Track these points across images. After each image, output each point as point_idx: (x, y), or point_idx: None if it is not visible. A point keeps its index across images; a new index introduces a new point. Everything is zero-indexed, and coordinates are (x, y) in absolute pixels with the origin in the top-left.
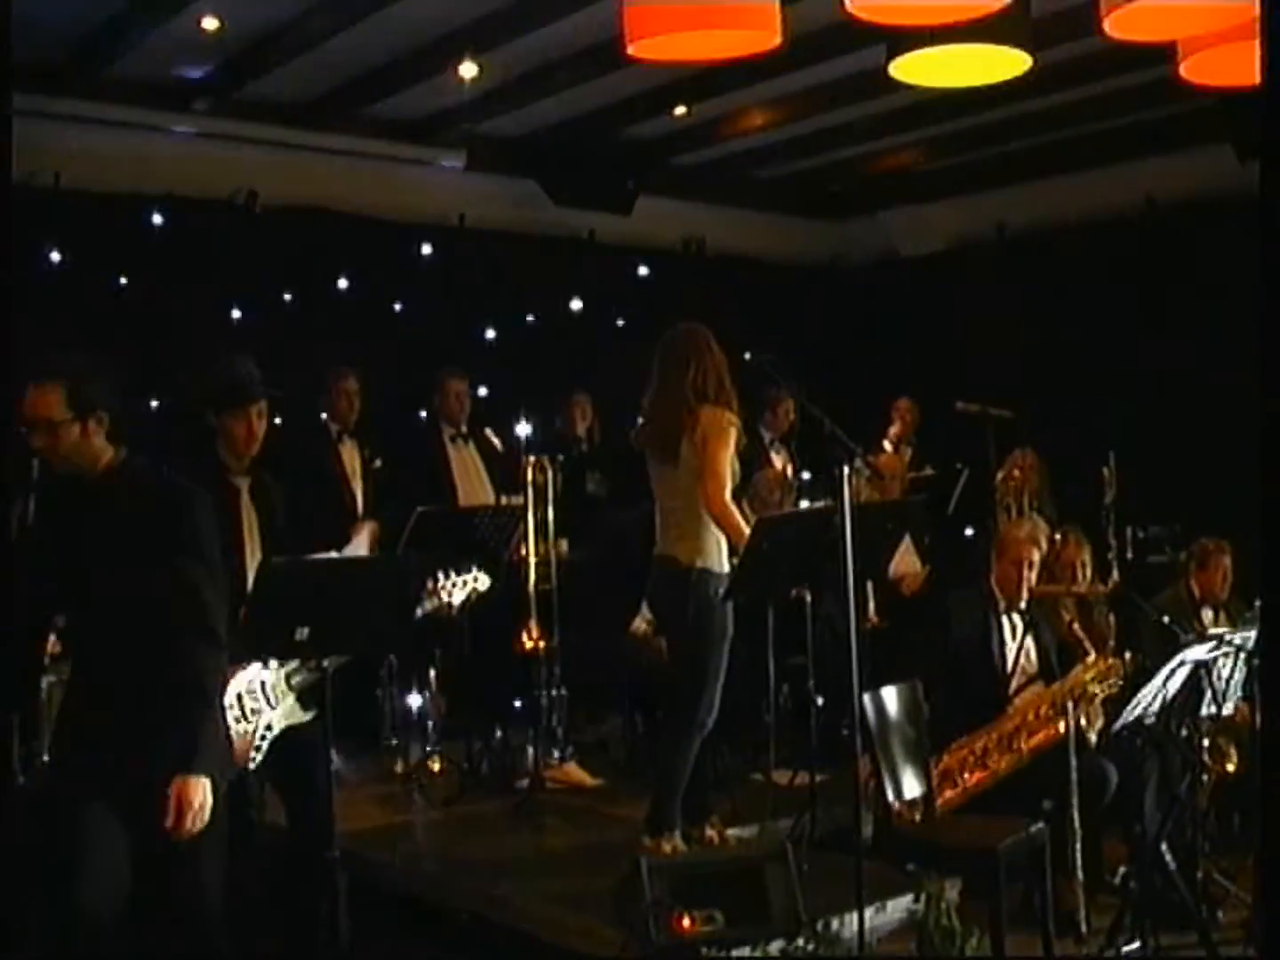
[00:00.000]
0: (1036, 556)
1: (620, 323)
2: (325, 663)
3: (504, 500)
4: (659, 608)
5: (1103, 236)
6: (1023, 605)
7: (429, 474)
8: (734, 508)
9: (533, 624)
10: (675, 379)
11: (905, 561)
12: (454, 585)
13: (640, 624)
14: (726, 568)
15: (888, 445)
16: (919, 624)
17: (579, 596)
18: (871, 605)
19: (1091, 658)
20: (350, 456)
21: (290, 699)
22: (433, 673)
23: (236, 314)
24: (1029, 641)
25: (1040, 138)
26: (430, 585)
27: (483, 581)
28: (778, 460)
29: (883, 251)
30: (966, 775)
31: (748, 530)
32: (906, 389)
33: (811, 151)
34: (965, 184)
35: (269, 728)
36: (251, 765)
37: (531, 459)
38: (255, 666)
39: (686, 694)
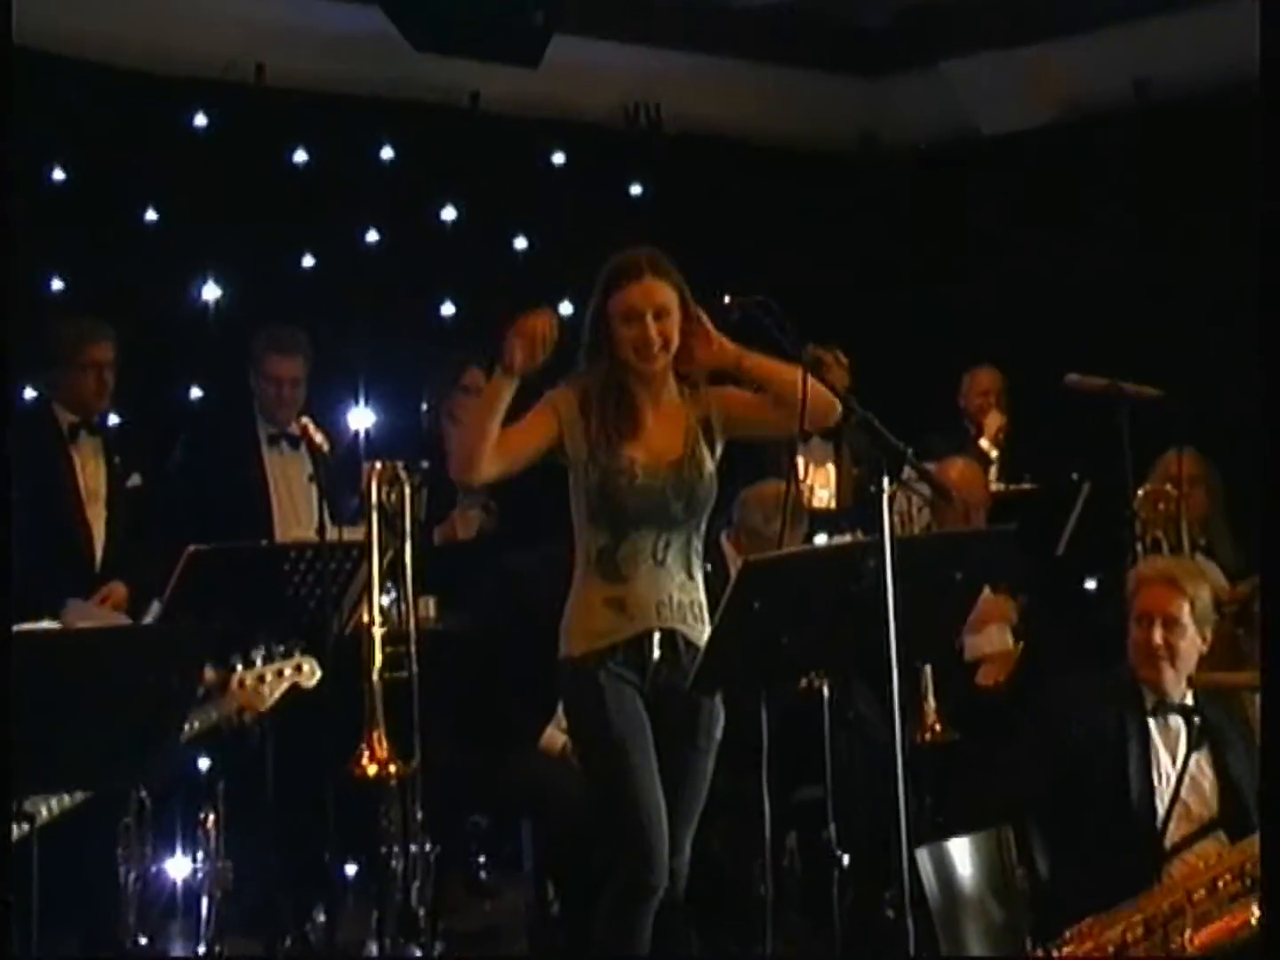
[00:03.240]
0: (1189, 614)
1: (522, 244)
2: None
3: (333, 534)
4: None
5: None
6: (1185, 699)
7: (231, 497)
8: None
9: (379, 735)
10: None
11: (987, 631)
12: (259, 679)
13: (555, 734)
14: (601, 636)
15: (985, 447)
16: (1009, 734)
17: (454, 689)
18: (930, 703)
19: None
20: (90, 466)
21: None
22: (211, 822)
23: None
24: (1199, 763)
25: None
26: (213, 678)
27: (309, 671)
28: (815, 470)
29: (946, 128)
30: None
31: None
32: (987, 352)
33: None
34: (1082, 13)
35: None
36: None
37: (378, 466)
38: None
39: (606, 842)
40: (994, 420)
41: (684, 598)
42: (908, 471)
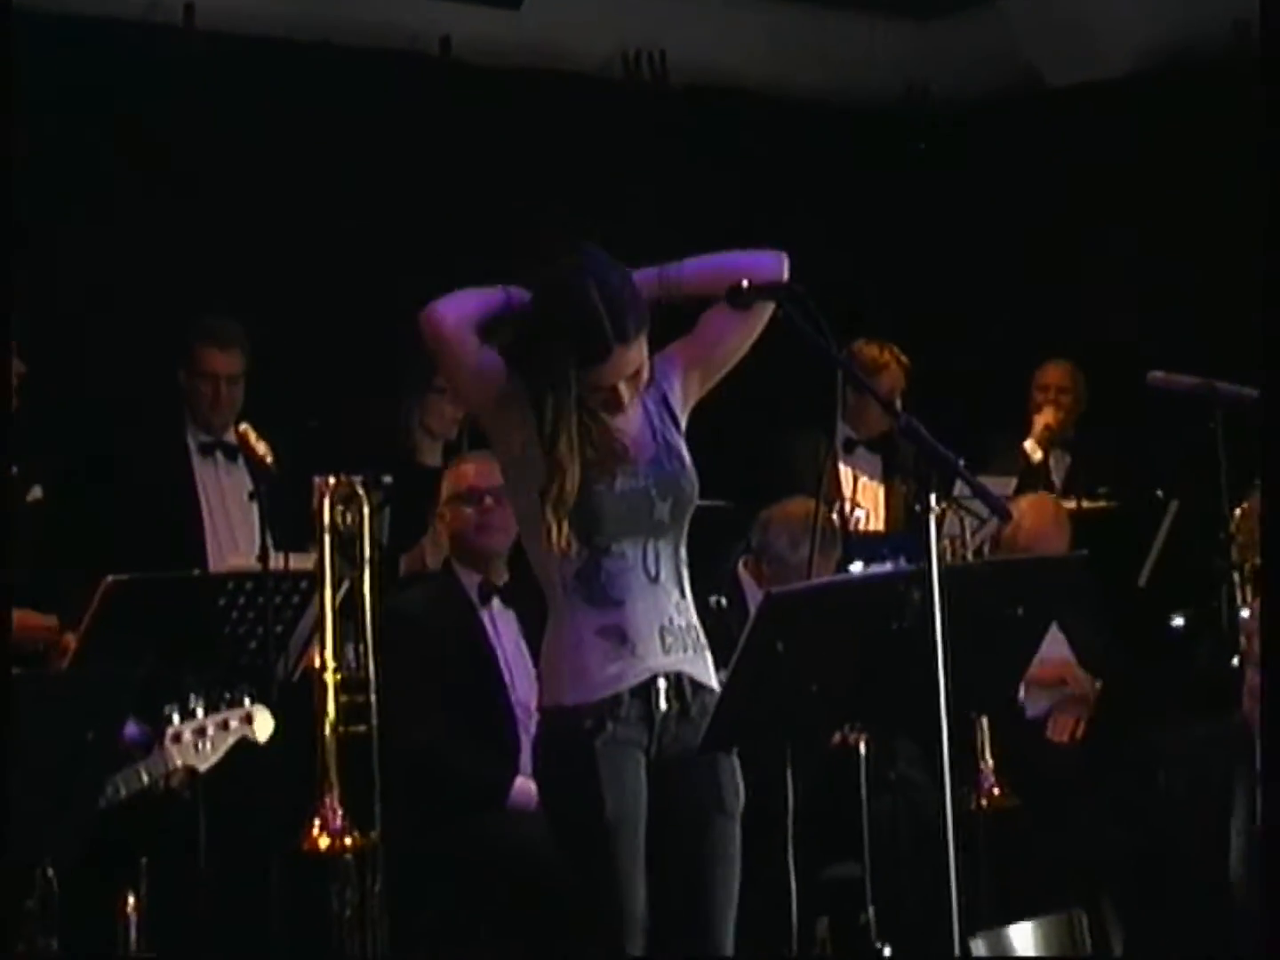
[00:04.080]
0: None
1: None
2: None
3: (278, 562)
4: None
5: None
6: None
7: (155, 517)
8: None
9: (332, 801)
10: None
11: (1057, 677)
12: (199, 732)
13: (530, 785)
14: (604, 683)
15: (1029, 449)
16: (1082, 797)
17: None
18: (988, 762)
19: None
20: None
21: None
22: (132, 905)
23: None
24: None
25: None
26: (138, 737)
27: (261, 723)
28: (864, 482)
29: (1005, 78)
30: None
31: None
32: (1058, 345)
33: None
34: None
35: None
36: None
37: (332, 481)
38: None
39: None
40: (1044, 417)
41: (682, 620)
42: (960, 487)
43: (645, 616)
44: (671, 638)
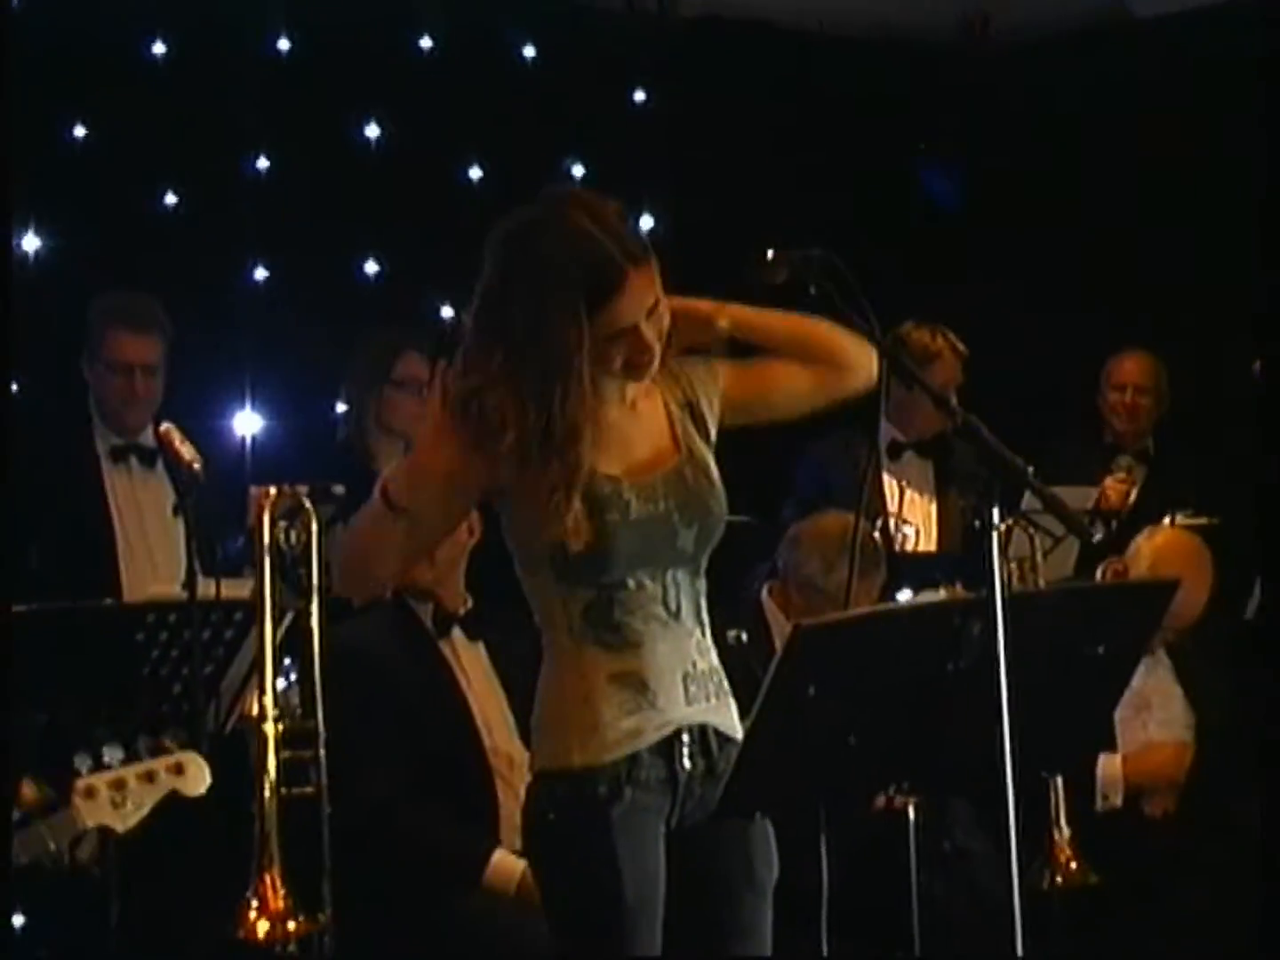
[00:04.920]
0: None
1: (475, 173)
2: None
3: (207, 589)
4: None
5: None
6: None
7: (57, 534)
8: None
9: (272, 878)
10: None
11: (1146, 731)
12: (116, 785)
13: (509, 861)
14: (620, 740)
15: (1123, 468)
16: (1177, 879)
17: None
18: (1063, 831)
19: None
20: None
21: None
22: None
23: None
24: None
25: None
26: (34, 797)
27: (194, 773)
28: (913, 494)
29: (1080, 7)
30: None
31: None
32: (1139, 329)
33: None
34: None
35: None
36: None
37: (272, 493)
38: None
39: None
40: (1117, 425)
41: (704, 663)
42: (1029, 499)
43: (666, 660)
44: (694, 685)
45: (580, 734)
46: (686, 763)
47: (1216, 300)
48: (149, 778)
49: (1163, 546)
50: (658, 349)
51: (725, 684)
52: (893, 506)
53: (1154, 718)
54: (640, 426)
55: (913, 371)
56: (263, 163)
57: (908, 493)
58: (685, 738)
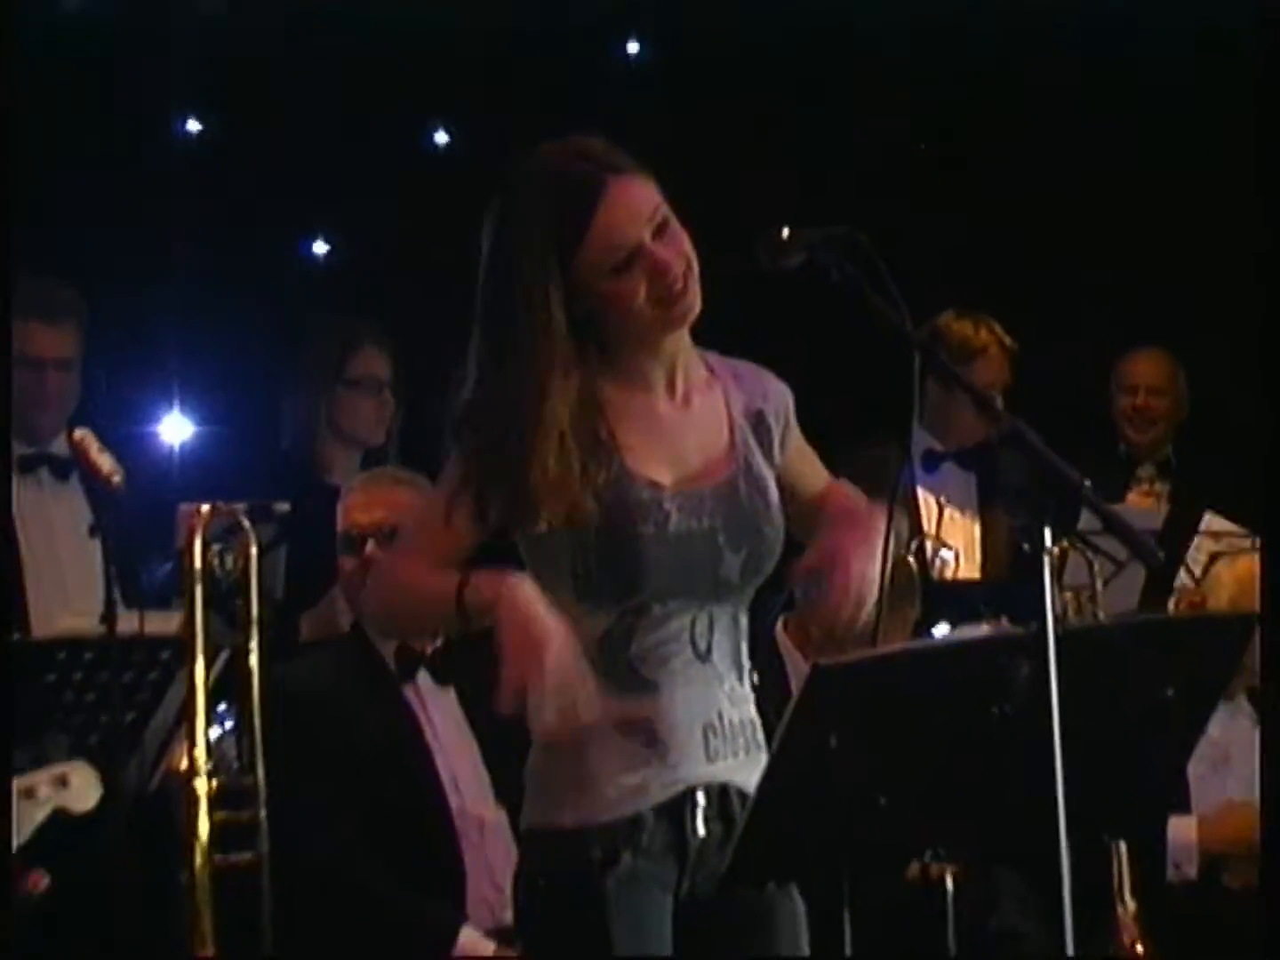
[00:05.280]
0: None
1: (442, 138)
2: None
3: (129, 623)
4: None
5: None
6: None
7: None
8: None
9: (202, 938)
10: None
11: (1225, 790)
12: None
13: (477, 942)
14: (619, 800)
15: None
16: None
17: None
18: (1127, 905)
19: None
20: None
21: None
22: None
23: None
24: None
25: None
26: None
27: (79, 786)
28: (953, 512)
29: None
30: None
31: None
32: (1152, 325)
33: None
34: None
35: None
36: None
37: (204, 510)
38: None
39: None
40: (1146, 428)
41: (736, 715)
42: (1087, 518)
43: (686, 708)
44: (719, 739)
45: (575, 788)
46: (700, 828)
47: (1234, 295)
48: (29, 793)
49: (1246, 575)
50: (685, 274)
51: (760, 736)
52: (929, 527)
53: (1234, 774)
54: (692, 427)
55: (951, 370)
56: (193, 125)
57: (946, 510)
58: (700, 799)
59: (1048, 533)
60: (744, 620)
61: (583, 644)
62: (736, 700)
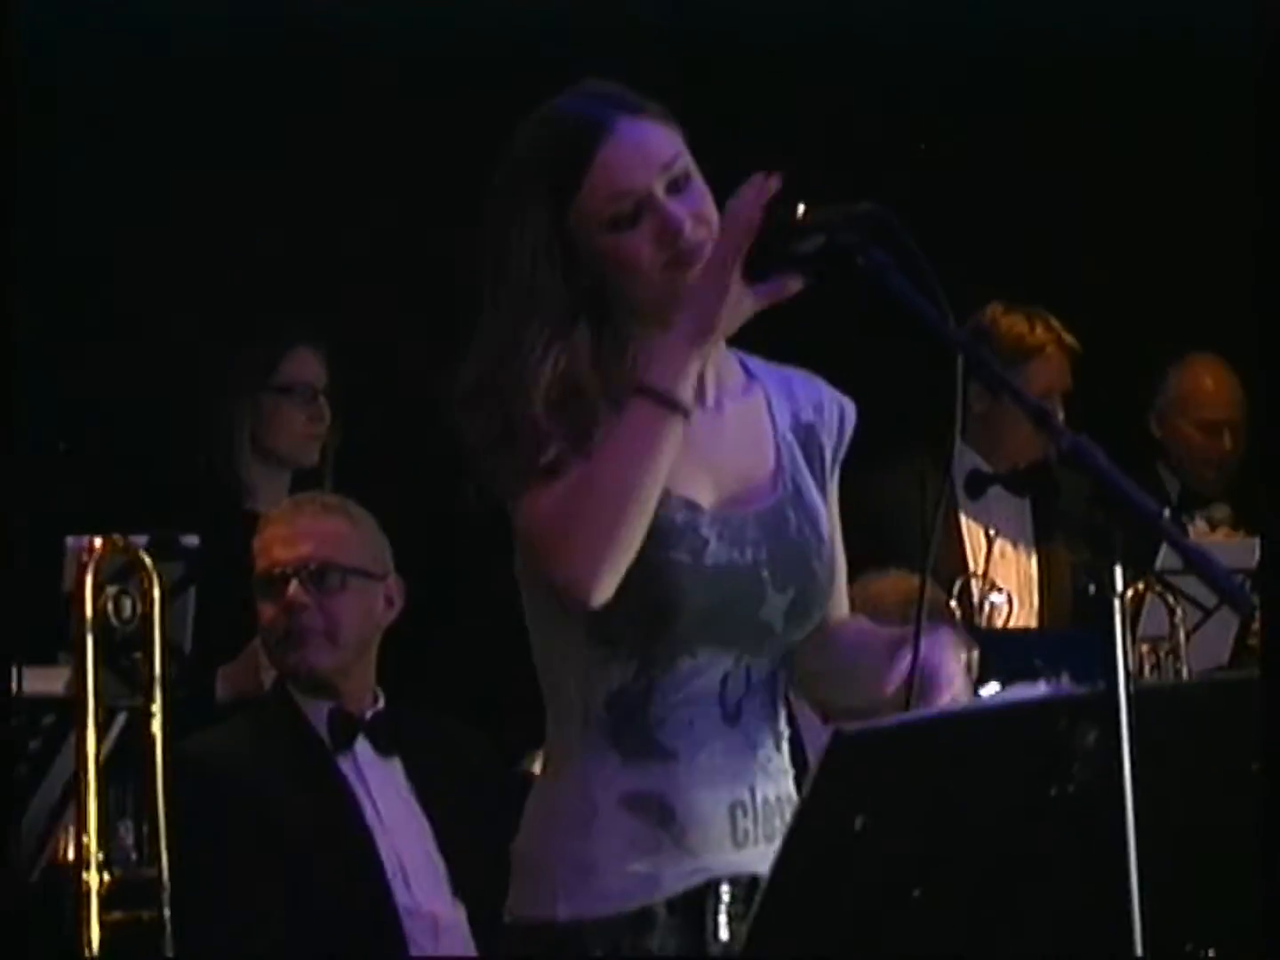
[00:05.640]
0: None
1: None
2: None
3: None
4: None
5: None
6: None
7: None
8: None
9: None
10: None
11: None
12: None
13: None
14: (625, 891)
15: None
16: None
17: None
18: None
19: None
20: None
21: None
22: None
23: None
24: None
25: None
26: None
27: None
28: (1004, 545)
29: None
30: None
31: None
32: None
33: None
34: None
35: None
36: None
37: (96, 545)
38: None
39: None
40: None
41: (772, 791)
42: (1166, 554)
43: (708, 780)
44: (749, 820)
45: (570, 874)
46: (723, 929)
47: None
48: None
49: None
50: (699, 234)
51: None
52: (976, 564)
53: None
54: (727, 439)
55: (998, 374)
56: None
57: (997, 544)
58: (724, 893)
59: (1118, 572)
60: (782, 679)
61: (594, 700)
62: (773, 773)
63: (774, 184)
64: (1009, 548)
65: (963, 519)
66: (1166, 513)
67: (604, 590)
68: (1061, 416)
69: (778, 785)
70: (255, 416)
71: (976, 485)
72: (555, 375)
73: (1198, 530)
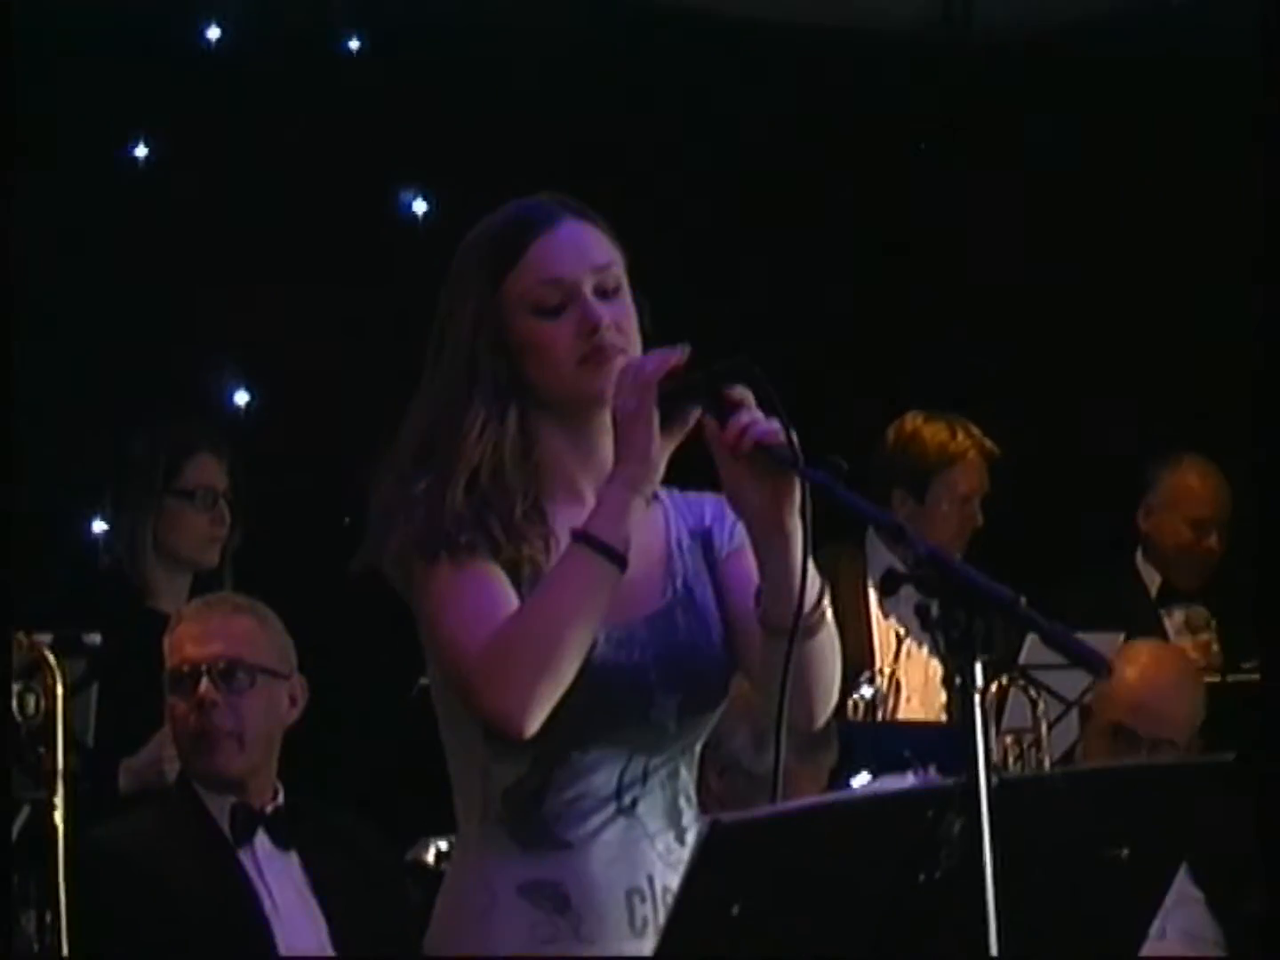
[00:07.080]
0: None
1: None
2: None
3: None
4: None
5: None
6: None
7: None
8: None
9: None
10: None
11: (1164, 942)
12: None
13: None
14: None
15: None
16: None
17: None
18: None
19: None
20: None
21: None
22: None
23: None
24: None
25: None
26: None
27: None
28: (911, 645)
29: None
30: None
31: None
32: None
33: None
34: None
35: None
36: None
37: None
38: None
39: None
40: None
41: (673, 880)
42: (1032, 646)
43: (605, 870)
44: (648, 907)
45: None
46: None
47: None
48: None
49: (1143, 658)
50: (616, 340)
51: None
52: (884, 660)
53: (1173, 925)
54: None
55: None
56: None
57: (906, 643)
58: None
59: (978, 667)
60: (685, 773)
61: (491, 794)
62: (674, 863)
63: (676, 358)
64: (914, 648)
65: (874, 615)
66: (1022, 599)
67: (535, 723)
68: (979, 519)
69: (678, 875)
70: (158, 519)
71: (890, 584)
72: (483, 459)
73: (1174, 622)
